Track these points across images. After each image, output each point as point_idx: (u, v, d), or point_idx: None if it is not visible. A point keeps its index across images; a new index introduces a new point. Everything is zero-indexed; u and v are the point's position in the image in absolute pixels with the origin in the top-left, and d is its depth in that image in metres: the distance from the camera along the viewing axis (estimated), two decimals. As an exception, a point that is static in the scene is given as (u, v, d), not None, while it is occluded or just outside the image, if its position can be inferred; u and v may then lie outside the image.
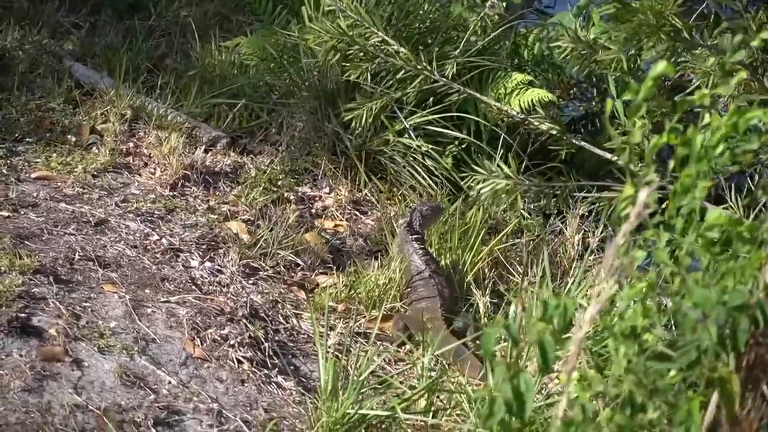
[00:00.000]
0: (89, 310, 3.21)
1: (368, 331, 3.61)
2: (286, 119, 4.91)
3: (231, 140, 4.81)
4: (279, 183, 4.54)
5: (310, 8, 4.79)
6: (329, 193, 4.63)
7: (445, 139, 4.71)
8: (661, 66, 1.59)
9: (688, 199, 1.56)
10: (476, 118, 4.65)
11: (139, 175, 4.35)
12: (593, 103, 5.40)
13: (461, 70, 4.56)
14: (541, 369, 1.58)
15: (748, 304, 1.52)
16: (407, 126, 4.65)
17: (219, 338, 3.23)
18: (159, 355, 3.09)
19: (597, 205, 4.19)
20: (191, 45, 5.48)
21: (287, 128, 4.87)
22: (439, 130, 4.68)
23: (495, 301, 3.86)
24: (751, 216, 3.97)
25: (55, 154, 4.29)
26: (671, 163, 1.64)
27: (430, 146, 4.64)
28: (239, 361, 3.17)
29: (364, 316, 3.72)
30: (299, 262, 3.96)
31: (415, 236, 3.97)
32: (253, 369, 3.17)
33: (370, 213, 4.57)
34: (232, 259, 3.78)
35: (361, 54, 4.39)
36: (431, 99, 4.68)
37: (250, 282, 3.73)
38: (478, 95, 4.41)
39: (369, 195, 4.64)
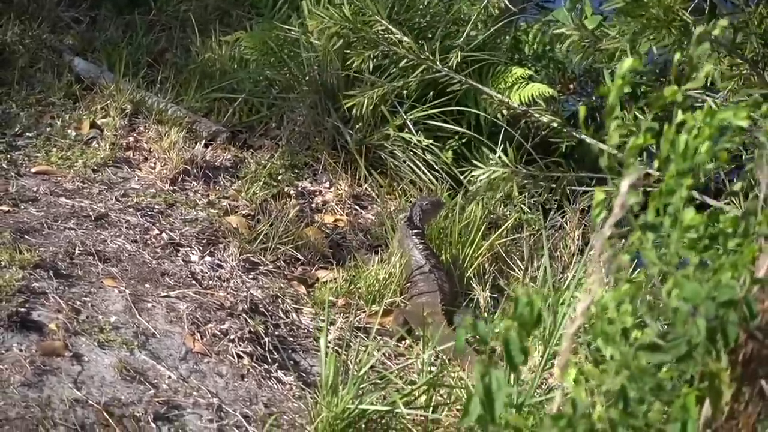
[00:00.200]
0: (89, 304, 3.21)
1: (368, 325, 3.61)
2: (286, 114, 4.91)
3: (231, 135, 4.81)
4: (279, 177, 4.54)
5: (310, 2, 4.79)
6: (329, 188, 4.63)
7: (445, 134, 4.71)
8: (627, 62, 1.59)
9: (675, 199, 1.55)
10: (477, 111, 4.65)
11: (139, 169, 4.35)
12: (593, 98, 5.40)
13: (461, 64, 4.55)
14: (509, 366, 1.58)
15: (737, 300, 1.52)
16: (407, 120, 4.65)
17: (219, 333, 3.23)
18: (159, 349, 3.09)
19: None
20: (191, 39, 5.48)
21: (287, 123, 4.87)
22: (439, 125, 4.68)
23: (495, 296, 3.86)
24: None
25: (55, 149, 4.29)
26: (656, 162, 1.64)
27: (431, 141, 4.64)
28: (239, 356, 3.17)
29: (364, 311, 3.72)
30: (299, 256, 3.97)
31: (415, 231, 3.97)
32: (253, 364, 3.17)
33: (370, 208, 4.57)
34: (232, 254, 3.78)
35: (365, 41, 4.38)
36: (431, 93, 4.67)
37: (250, 277, 3.73)
38: (479, 86, 4.41)
39: (369, 189, 4.64)
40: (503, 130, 4.56)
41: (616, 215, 1.54)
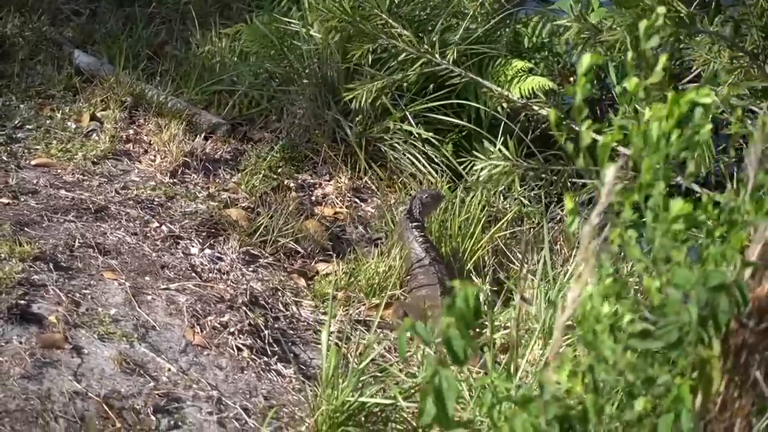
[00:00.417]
0: (89, 297, 3.21)
1: (368, 318, 3.62)
2: (286, 106, 4.90)
3: (231, 127, 4.81)
4: (279, 170, 4.54)
5: (310, -6, 4.78)
6: (329, 181, 4.62)
7: (445, 127, 4.70)
8: (587, 59, 1.59)
9: (655, 191, 1.55)
10: (477, 105, 4.65)
11: (139, 162, 4.34)
12: (593, 91, 5.39)
13: (461, 57, 4.55)
14: (453, 362, 1.58)
15: (728, 284, 1.51)
16: (407, 113, 4.65)
17: (219, 325, 3.23)
18: (159, 342, 3.09)
19: (596, 192, 4.17)
20: (191, 32, 5.47)
21: (287, 115, 4.86)
22: (439, 118, 4.67)
23: (495, 288, 3.86)
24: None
25: (55, 141, 4.28)
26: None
27: (431, 134, 4.63)
28: (239, 349, 3.18)
29: (364, 304, 3.72)
30: (299, 249, 3.97)
31: (415, 224, 3.97)
32: (253, 356, 3.17)
33: (370, 200, 4.57)
34: (232, 247, 3.78)
35: (364, 35, 4.38)
36: (431, 86, 4.67)
37: (250, 269, 3.73)
38: (479, 79, 4.40)
39: (369, 182, 4.64)
40: (503, 123, 4.55)
41: (602, 204, 1.54)
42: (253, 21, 5.28)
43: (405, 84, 4.61)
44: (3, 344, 2.85)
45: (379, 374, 3.06)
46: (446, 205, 4.19)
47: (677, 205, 1.55)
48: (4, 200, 3.72)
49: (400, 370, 3.21)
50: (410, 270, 3.85)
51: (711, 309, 1.50)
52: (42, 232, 3.53)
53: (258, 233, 3.90)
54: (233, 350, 3.16)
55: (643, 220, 1.62)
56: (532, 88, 4.51)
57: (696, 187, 3.82)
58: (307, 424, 2.82)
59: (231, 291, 3.48)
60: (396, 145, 4.66)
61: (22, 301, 3.05)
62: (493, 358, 2.87)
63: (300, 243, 3.98)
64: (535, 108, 4.24)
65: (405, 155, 4.64)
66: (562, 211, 4.36)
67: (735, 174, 4.30)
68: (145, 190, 4.05)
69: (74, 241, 3.50)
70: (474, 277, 3.90)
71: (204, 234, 3.83)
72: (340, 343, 3.28)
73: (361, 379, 2.86)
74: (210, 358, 3.10)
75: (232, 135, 4.77)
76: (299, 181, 4.56)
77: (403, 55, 4.40)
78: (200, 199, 4.09)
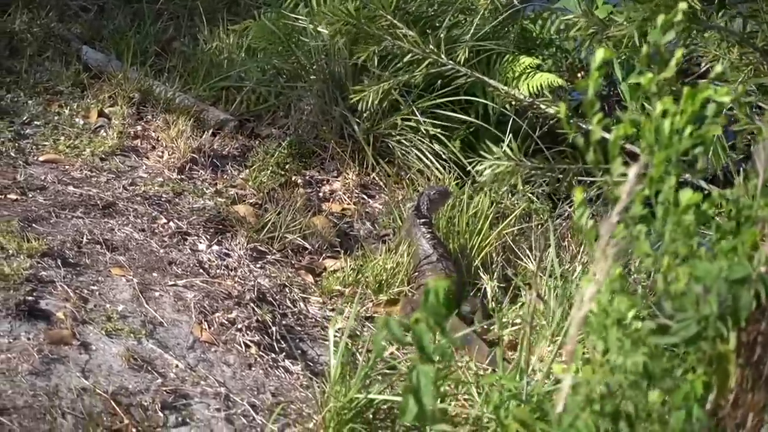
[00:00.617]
0: (97, 293, 3.21)
1: (376, 315, 3.61)
2: (293, 103, 4.90)
3: (239, 124, 4.81)
4: (287, 167, 4.54)
5: (317, -8, 4.78)
6: (337, 177, 4.62)
7: (452, 123, 4.69)
8: (600, 53, 1.58)
9: (666, 186, 1.54)
10: (484, 101, 4.64)
11: (147, 158, 4.35)
12: (602, 86, 5.38)
13: (469, 53, 4.53)
14: (424, 359, 1.58)
15: (750, 277, 1.51)
16: (415, 109, 4.64)
17: (226, 322, 3.23)
18: (166, 338, 3.09)
19: (605, 188, 4.16)
20: (199, 28, 5.47)
21: (295, 112, 4.86)
22: (447, 114, 4.66)
23: (503, 285, 3.86)
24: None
25: (63, 137, 4.29)
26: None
27: (438, 130, 4.63)
28: (247, 345, 3.17)
29: (372, 300, 3.72)
30: (307, 245, 3.96)
31: (423, 220, 3.96)
32: (261, 353, 3.16)
33: (377, 197, 4.56)
34: (239, 243, 3.78)
35: (369, 37, 4.37)
36: (439, 82, 4.66)
37: (258, 266, 3.73)
38: (485, 78, 4.39)
39: (377, 179, 4.64)
40: (511, 119, 4.54)
41: (623, 202, 1.54)
42: (261, 17, 5.28)
43: (412, 81, 4.60)
44: (11, 340, 2.85)
45: (387, 371, 3.05)
46: (454, 201, 4.18)
47: (687, 194, 1.55)
48: (13, 196, 3.72)
49: (408, 367, 3.20)
50: (418, 266, 3.84)
51: (733, 302, 1.49)
52: (50, 228, 3.53)
53: (266, 229, 3.90)
54: (241, 347, 3.15)
55: (652, 211, 1.61)
56: (541, 85, 4.50)
57: (704, 184, 3.81)
58: (314, 421, 2.81)
59: (238, 287, 3.48)
60: (404, 141, 4.65)
61: (30, 298, 3.05)
62: (502, 355, 2.86)
63: (307, 239, 3.98)
64: (542, 107, 4.23)
65: (413, 151, 4.64)
66: (570, 207, 4.35)
67: (741, 170, 4.29)
68: (153, 186, 4.05)
69: (82, 238, 3.50)
70: (482, 274, 3.89)
71: (211, 230, 3.83)
72: (348, 340, 3.27)
73: (369, 375, 2.85)
74: (218, 355, 3.09)
75: (239, 131, 4.77)
76: (307, 178, 4.56)
77: (409, 56, 4.39)
78: (208, 196, 4.09)
